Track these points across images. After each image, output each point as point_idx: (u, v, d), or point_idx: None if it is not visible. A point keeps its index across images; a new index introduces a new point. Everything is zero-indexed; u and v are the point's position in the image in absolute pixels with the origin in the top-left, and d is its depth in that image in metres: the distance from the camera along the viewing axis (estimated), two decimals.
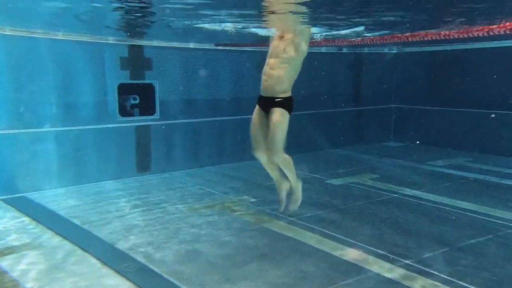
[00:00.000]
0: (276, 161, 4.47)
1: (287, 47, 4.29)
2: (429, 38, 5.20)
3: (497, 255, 4.54)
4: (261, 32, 5.71)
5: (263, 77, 4.48)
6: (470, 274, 4.11)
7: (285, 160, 4.40)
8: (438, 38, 5.04)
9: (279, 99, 4.32)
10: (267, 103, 4.38)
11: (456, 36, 5.14)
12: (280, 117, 4.31)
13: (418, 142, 10.02)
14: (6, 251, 4.64)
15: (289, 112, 4.43)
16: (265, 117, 4.51)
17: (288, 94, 4.46)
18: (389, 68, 10.75)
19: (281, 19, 4.77)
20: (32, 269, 4.24)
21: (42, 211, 5.93)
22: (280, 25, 5.01)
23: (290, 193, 4.90)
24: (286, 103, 4.37)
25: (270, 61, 4.39)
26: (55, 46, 6.74)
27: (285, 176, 4.73)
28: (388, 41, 7.00)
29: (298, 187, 4.71)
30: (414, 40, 5.81)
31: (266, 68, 4.40)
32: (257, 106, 4.60)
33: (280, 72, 4.32)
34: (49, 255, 4.56)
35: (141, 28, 6.25)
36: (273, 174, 4.77)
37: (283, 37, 4.43)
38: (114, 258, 4.48)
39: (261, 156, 4.63)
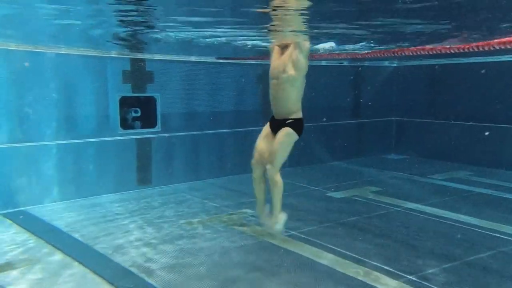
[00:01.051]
0: (269, 174, 4.37)
1: (286, 67, 4.22)
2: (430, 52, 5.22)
3: (500, 271, 4.50)
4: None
5: (271, 100, 4.45)
6: None
7: (277, 182, 4.28)
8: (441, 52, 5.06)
9: (289, 121, 4.28)
10: (278, 125, 4.35)
11: (456, 50, 5.16)
12: (286, 136, 4.26)
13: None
14: (5, 267, 4.62)
15: (298, 133, 4.35)
16: (274, 135, 4.47)
17: (299, 115, 4.37)
18: (390, 81, 10.78)
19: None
20: (31, 285, 4.21)
21: (42, 226, 5.91)
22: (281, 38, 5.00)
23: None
24: (295, 124, 4.31)
25: (272, 82, 4.33)
26: (57, 60, 6.77)
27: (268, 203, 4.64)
28: (394, 54, 6.99)
29: (282, 217, 4.56)
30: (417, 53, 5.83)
31: (271, 92, 4.37)
32: (268, 123, 4.56)
33: (284, 97, 4.25)
34: (48, 270, 4.53)
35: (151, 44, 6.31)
36: (258, 195, 4.65)
37: (283, 50, 4.39)
38: (114, 274, 4.46)
39: (258, 169, 4.53)
